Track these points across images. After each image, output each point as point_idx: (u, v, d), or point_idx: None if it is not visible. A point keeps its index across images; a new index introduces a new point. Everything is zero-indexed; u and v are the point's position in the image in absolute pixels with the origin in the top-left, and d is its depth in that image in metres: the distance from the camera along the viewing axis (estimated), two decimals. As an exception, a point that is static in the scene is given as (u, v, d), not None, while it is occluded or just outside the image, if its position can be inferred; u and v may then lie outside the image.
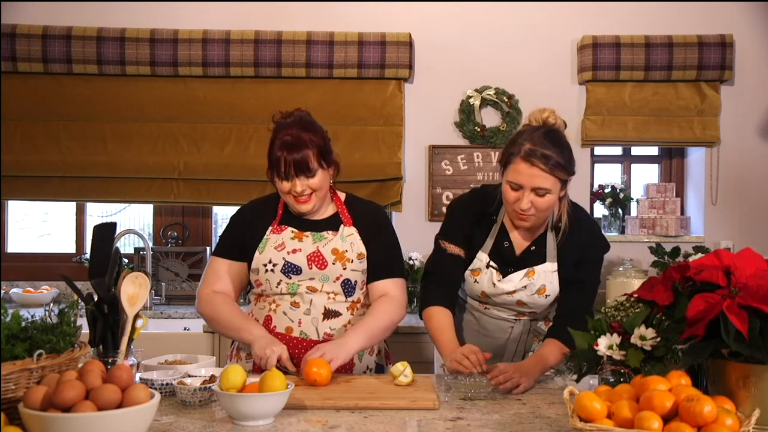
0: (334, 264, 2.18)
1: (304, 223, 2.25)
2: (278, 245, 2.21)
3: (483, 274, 2.26)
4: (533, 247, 2.25)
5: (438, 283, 2.28)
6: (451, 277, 2.29)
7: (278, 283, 2.19)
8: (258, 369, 2.11)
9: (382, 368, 2.33)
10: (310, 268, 2.18)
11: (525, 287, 2.23)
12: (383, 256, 2.26)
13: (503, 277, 2.24)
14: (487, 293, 2.27)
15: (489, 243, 2.26)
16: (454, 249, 2.27)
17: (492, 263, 2.25)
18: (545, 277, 2.22)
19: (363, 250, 2.23)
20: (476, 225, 2.27)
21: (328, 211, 2.29)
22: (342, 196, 2.33)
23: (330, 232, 2.23)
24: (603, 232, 4.03)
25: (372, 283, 2.26)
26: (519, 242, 2.26)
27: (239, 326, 2.17)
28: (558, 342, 2.12)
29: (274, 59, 3.86)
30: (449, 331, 2.18)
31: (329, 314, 2.19)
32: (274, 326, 2.19)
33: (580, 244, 2.23)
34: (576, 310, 2.15)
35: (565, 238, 2.22)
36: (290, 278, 2.18)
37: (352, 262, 2.21)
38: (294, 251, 2.19)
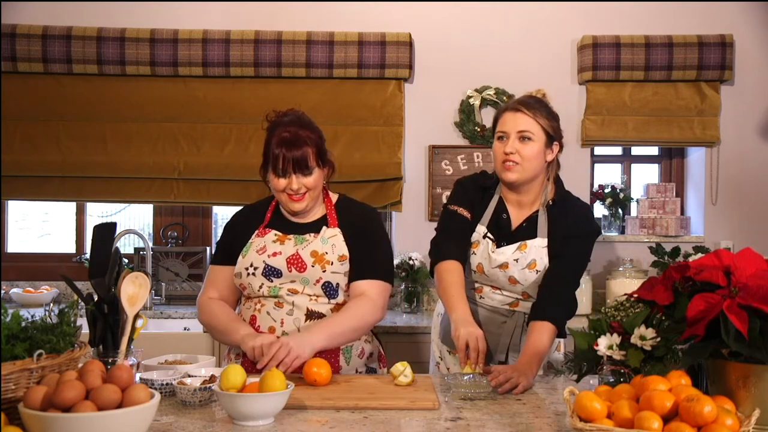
0: (313, 267, 2.16)
1: (289, 226, 2.25)
2: (260, 249, 2.21)
3: (480, 245, 2.31)
4: (525, 224, 2.31)
5: (449, 238, 2.31)
6: (461, 235, 2.32)
7: (260, 287, 2.19)
8: (255, 369, 2.11)
9: (375, 371, 2.31)
10: (290, 271, 2.16)
11: (517, 260, 2.26)
12: (366, 257, 2.21)
13: (497, 248, 2.29)
14: (483, 266, 2.30)
15: (487, 215, 2.33)
16: (463, 212, 2.33)
17: (489, 234, 2.31)
18: (536, 252, 2.26)
19: (345, 252, 2.20)
20: (479, 196, 2.36)
21: (317, 213, 2.28)
22: (334, 197, 2.32)
23: (312, 234, 2.22)
24: (603, 231, 4.09)
25: (353, 283, 2.22)
26: (515, 218, 2.33)
27: (228, 329, 2.18)
28: (540, 323, 2.15)
29: (274, 59, 3.86)
30: (461, 298, 2.18)
31: (312, 315, 2.17)
32: (258, 325, 2.19)
33: (570, 221, 2.28)
34: (557, 280, 2.21)
35: (555, 214, 2.28)
36: (271, 281, 2.18)
37: (332, 264, 2.18)
38: (274, 254, 2.18)
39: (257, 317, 2.20)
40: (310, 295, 2.18)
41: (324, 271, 2.17)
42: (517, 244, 2.28)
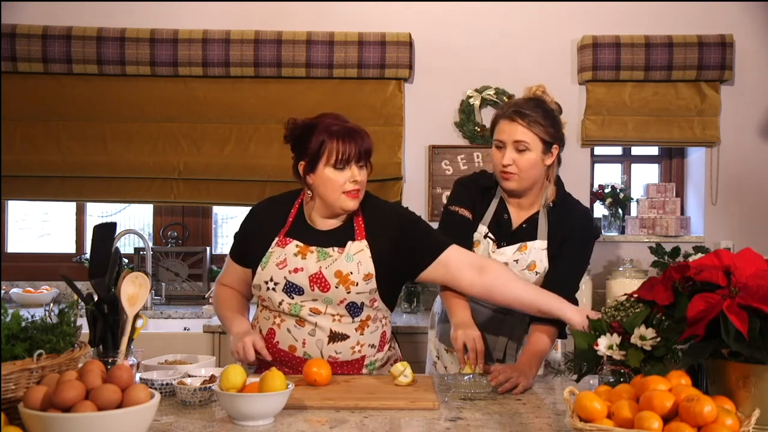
0: (337, 287, 2.05)
1: (311, 235, 2.12)
2: (280, 262, 2.09)
3: (481, 245, 2.31)
4: (525, 224, 2.31)
5: (450, 239, 2.26)
6: (463, 235, 2.30)
7: (280, 303, 2.10)
8: (258, 369, 2.11)
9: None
10: (312, 290, 2.07)
11: (517, 261, 2.28)
12: (423, 242, 2.13)
13: (497, 248, 2.30)
14: None
15: (488, 215, 2.33)
16: (464, 212, 2.32)
17: (490, 234, 2.31)
18: (536, 254, 2.28)
19: (371, 269, 2.07)
20: (479, 196, 2.35)
21: (341, 218, 2.15)
22: None
23: (336, 249, 2.09)
24: (603, 231, 4.09)
25: (437, 260, 2.12)
26: (515, 218, 2.33)
27: (226, 325, 2.22)
28: (541, 325, 2.16)
29: (274, 59, 3.86)
30: (461, 299, 2.19)
31: (336, 337, 2.09)
32: (277, 341, 2.12)
33: (570, 224, 2.28)
34: (557, 284, 2.20)
35: (555, 216, 2.29)
36: (292, 298, 2.08)
37: (357, 285, 2.06)
38: (296, 270, 2.07)
39: (276, 332, 2.12)
40: (333, 315, 2.09)
41: (348, 292, 2.06)
42: (517, 245, 2.29)
